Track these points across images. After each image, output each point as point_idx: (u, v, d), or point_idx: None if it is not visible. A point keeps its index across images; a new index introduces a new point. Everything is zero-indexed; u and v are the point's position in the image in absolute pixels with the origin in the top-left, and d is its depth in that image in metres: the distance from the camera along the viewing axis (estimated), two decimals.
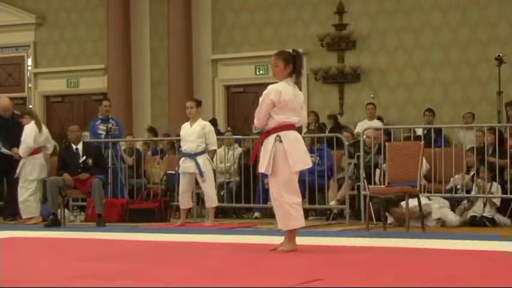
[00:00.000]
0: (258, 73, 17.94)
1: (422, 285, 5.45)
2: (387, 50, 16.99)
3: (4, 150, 13.05)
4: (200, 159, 11.73)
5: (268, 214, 12.63)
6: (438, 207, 11.40)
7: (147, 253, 7.96)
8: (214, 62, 18.40)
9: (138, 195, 13.45)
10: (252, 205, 13.17)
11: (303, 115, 7.85)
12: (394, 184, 10.45)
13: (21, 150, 12.69)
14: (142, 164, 14.43)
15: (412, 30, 16.79)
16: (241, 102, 18.21)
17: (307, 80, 17.27)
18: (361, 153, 12.06)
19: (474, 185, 11.53)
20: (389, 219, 11.26)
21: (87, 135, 13.86)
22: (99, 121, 13.80)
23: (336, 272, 6.21)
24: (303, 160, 7.65)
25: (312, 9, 17.57)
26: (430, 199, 11.43)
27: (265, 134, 7.70)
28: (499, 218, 11.37)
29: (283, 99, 7.57)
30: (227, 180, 13.47)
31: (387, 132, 13.30)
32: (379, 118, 15.80)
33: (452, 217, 11.37)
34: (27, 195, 12.60)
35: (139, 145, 15.95)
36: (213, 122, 14.40)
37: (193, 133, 11.85)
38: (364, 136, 12.42)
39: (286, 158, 7.52)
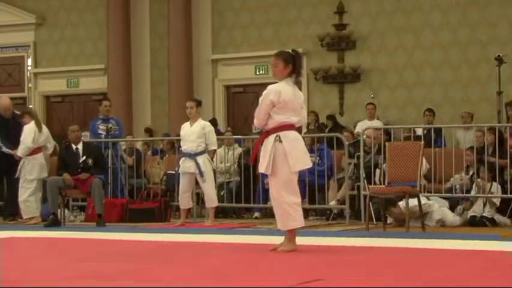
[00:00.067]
0: (258, 73, 17.94)
1: (422, 285, 5.45)
2: (387, 50, 16.99)
3: (5, 150, 13.05)
4: (200, 159, 11.73)
5: (268, 214, 12.63)
6: (438, 207, 11.40)
7: (147, 253, 7.96)
8: (214, 62, 18.40)
9: (138, 195, 13.45)
10: (252, 205, 13.17)
11: (303, 115, 7.85)
12: (394, 184, 10.46)
13: (20, 150, 12.69)
14: (142, 164, 14.43)
15: (412, 30, 16.79)
16: (241, 102, 18.21)
17: (307, 80, 17.27)
18: (361, 153, 12.06)
19: (474, 185, 11.53)
20: (389, 219, 11.26)
21: (87, 135, 13.87)
22: (100, 121, 13.80)
23: (336, 272, 6.21)
24: (303, 160, 7.65)
25: (312, 9, 17.57)
26: (429, 199, 11.43)
27: (265, 134, 7.71)
28: (499, 218, 11.37)
29: (283, 99, 7.57)
30: (227, 180, 13.47)
31: (387, 132, 13.30)
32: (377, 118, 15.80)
33: (451, 217, 11.37)
34: (27, 195, 12.60)
35: (139, 145, 15.95)
36: (213, 122, 14.40)
37: (193, 133, 11.85)
38: (364, 136, 12.42)
39: (286, 158, 7.52)
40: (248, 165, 12.79)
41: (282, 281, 5.69)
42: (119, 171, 13.57)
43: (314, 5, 17.54)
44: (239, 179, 13.52)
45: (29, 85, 20.17)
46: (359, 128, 14.36)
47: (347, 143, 12.59)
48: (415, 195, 10.40)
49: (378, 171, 12.04)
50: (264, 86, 7.89)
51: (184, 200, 11.93)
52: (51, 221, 11.83)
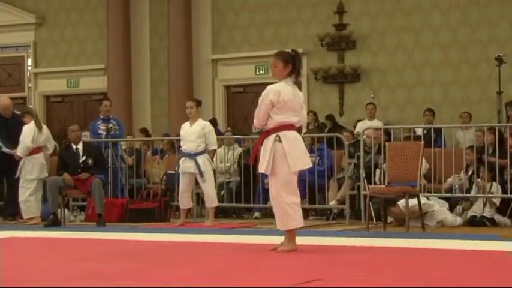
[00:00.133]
0: (258, 73, 17.94)
1: (422, 285, 5.45)
2: (387, 50, 16.99)
3: (5, 150, 13.05)
4: (200, 159, 11.73)
5: (268, 214, 12.62)
6: (439, 207, 11.40)
7: (147, 253, 7.96)
8: (214, 62, 18.40)
9: (138, 195, 13.45)
10: (252, 205, 13.17)
11: (303, 115, 7.85)
12: (394, 184, 10.46)
13: (20, 150, 12.68)
14: (142, 164, 14.43)
15: (412, 30, 16.80)
16: (241, 102, 18.21)
17: (307, 80, 17.28)
18: (361, 153, 12.06)
19: (474, 185, 11.53)
20: (389, 219, 11.26)
21: (87, 135, 13.87)
22: (100, 121, 13.81)
23: (336, 272, 6.21)
24: (303, 160, 7.65)
25: (312, 9, 17.58)
26: (429, 199, 11.42)
27: (264, 134, 7.71)
28: (498, 218, 11.37)
29: (282, 99, 7.57)
30: (227, 180, 13.47)
31: (387, 132, 13.30)
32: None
33: (450, 218, 11.36)
34: (27, 195, 12.59)
35: (138, 145, 15.94)
36: (213, 122, 14.40)
37: (193, 133, 11.85)
38: (364, 136, 12.42)
39: (286, 158, 7.52)
40: (248, 165, 12.79)
41: (282, 281, 5.69)
42: (118, 171, 13.57)
43: (314, 5, 17.54)
44: (239, 179, 13.52)
45: (29, 85, 20.17)
46: (359, 128, 14.37)
47: (347, 143, 12.58)
48: (415, 195, 10.40)
49: (378, 171, 12.04)
50: (264, 86, 7.89)
51: (184, 200, 11.93)
52: (51, 221, 11.83)
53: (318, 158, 12.80)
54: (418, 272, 6.10)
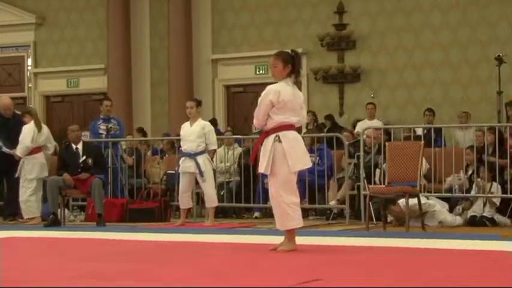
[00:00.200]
0: (258, 73, 17.94)
1: (422, 285, 5.45)
2: (387, 50, 16.99)
3: (5, 150, 13.04)
4: (200, 159, 11.73)
5: (268, 214, 12.60)
6: (440, 207, 11.40)
7: (147, 253, 7.96)
8: (214, 62, 18.40)
9: (138, 195, 13.45)
10: (252, 205, 13.17)
11: (303, 115, 7.85)
12: (394, 184, 10.46)
13: (19, 150, 12.68)
14: (142, 164, 14.43)
15: (412, 30, 16.80)
16: (241, 102, 18.22)
17: (307, 80, 17.28)
18: (361, 153, 12.06)
19: (474, 185, 11.53)
20: (389, 218, 11.26)
21: (87, 135, 13.87)
22: (101, 121, 13.81)
23: (336, 272, 6.21)
24: (303, 160, 7.66)
25: (312, 9, 17.58)
26: (428, 199, 11.42)
27: (264, 134, 7.71)
28: (498, 217, 11.37)
29: (282, 99, 7.57)
30: (227, 180, 13.47)
31: (387, 132, 13.30)
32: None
33: (450, 218, 11.35)
34: (28, 195, 12.58)
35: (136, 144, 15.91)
36: (213, 121, 14.40)
37: (193, 133, 11.85)
38: (364, 136, 12.42)
39: (285, 158, 7.52)
40: (248, 165, 12.79)
41: (282, 281, 5.69)
42: (118, 171, 13.57)
43: (314, 5, 17.54)
44: (239, 179, 13.52)
45: (29, 85, 20.17)
46: (359, 128, 14.37)
47: (347, 142, 12.59)
48: (415, 195, 10.40)
49: (377, 171, 12.04)
50: (264, 85, 7.89)
51: (184, 200, 11.93)
52: (51, 221, 11.83)
53: (318, 158, 12.80)
54: (418, 272, 6.10)
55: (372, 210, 11.34)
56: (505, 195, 11.39)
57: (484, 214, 11.33)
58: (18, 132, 12.76)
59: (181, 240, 9.26)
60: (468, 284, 5.42)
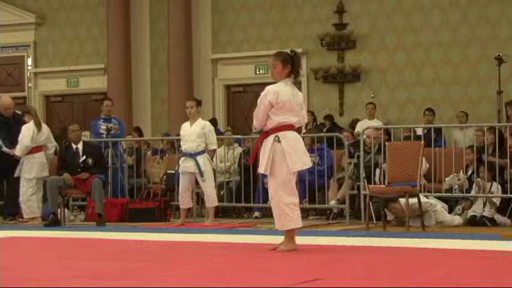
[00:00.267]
0: (258, 73, 17.93)
1: (422, 285, 5.45)
2: (387, 49, 16.99)
3: (5, 149, 13.04)
4: (200, 159, 11.74)
5: (268, 214, 12.57)
6: (441, 208, 11.39)
7: (147, 253, 7.96)
8: (214, 62, 18.40)
9: (138, 195, 13.45)
10: (252, 205, 13.17)
11: (303, 115, 7.85)
12: (394, 184, 10.46)
13: (18, 150, 12.67)
14: (142, 164, 14.43)
15: (412, 30, 16.79)
16: (241, 102, 18.21)
17: (307, 79, 17.27)
18: (361, 153, 12.06)
19: (474, 185, 11.53)
20: (389, 216, 11.26)
21: (87, 135, 13.87)
22: (102, 120, 13.82)
23: (336, 272, 6.21)
24: (302, 160, 7.66)
25: (312, 9, 17.57)
26: (428, 198, 11.41)
27: (264, 134, 7.71)
28: (499, 217, 11.37)
29: (281, 99, 7.57)
30: (227, 180, 13.48)
31: (387, 132, 13.30)
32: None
33: (449, 218, 11.35)
34: (28, 195, 12.57)
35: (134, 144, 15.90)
36: (213, 121, 14.40)
37: (193, 133, 11.86)
38: (364, 136, 12.42)
39: (285, 158, 7.52)
40: (248, 165, 12.79)
41: (282, 281, 5.69)
42: (119, 170, 13.57)
43: (314, 5, 17.54)
44: (239, 179, 13.52)
45: (29, 85, 20.16)
46: (359, 128, 14.37)
47: (347, 142, 12.59)
48: (415, 195, 10.40)
49: (377, 171, 12.04)
50: (264, 85, 7.90)
51: (184, 200, 11.93)
52: (51, 221, 11.84)
53: (318, 157, 12.80)
54: (418, 271, 6.10)
55: (372, 210, 11.34)
56: (505, 195, 11.39)
57: (484, 214, 11.33)
58: (18, 131, 12.76)
59: (181, 240, 9.26)
60: (468, 284, 5.42)
